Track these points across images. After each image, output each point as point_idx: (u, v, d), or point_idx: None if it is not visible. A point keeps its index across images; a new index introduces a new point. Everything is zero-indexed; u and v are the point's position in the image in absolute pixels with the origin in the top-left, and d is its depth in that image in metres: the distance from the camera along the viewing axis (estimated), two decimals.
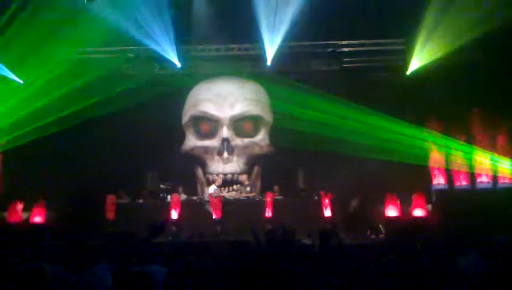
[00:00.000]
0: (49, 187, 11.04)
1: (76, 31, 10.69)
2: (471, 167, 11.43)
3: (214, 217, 10.78)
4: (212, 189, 11.55)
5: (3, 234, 9.68)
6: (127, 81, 11.86)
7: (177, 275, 2.94)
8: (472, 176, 11.40)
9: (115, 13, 10.61)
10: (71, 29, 10.48)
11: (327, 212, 10.73)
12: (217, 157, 12.30)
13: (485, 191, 11.12)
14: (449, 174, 11.54)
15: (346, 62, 12.49)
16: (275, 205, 10.77)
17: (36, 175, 11.24)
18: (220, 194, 11.38)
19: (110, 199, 10.92)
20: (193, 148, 12.55)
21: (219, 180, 11.92)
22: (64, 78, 11.32)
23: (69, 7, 10.19)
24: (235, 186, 12.16)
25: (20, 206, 10.96)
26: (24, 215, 11.02)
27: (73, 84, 11.23)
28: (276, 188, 11.49)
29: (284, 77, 11.87)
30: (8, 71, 11.27)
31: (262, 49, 11.98)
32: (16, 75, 11.42)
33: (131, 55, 12.52)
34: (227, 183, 12.19)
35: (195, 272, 2.97)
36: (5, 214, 10.96)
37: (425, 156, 11.57)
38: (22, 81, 11.50)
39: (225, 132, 12.26)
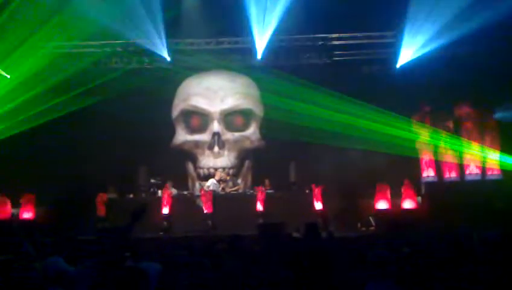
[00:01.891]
0: (39, 182, 10.91)
1: (64, 25, 10.56)
2: (460, 158, 11.53)
3: (205, 211, 10.76)
4: (210, 182, 11.51)
5: None
6: (116, 75, 11.76)
7: (171, 270, 2.93)
8: (461, 168, 11.50)
9: (103, 6, 10.48)
10: (59, 22, 10.33)
11: (318, 205, 10.77)
12: (207, 152, 12.23)
13: (474, 182, 11.23)
14: (438, 166, 11.63)
15: (337, 55, 12.48)
16: (266, 199, 10.78)
17: (25, 170, 11.10)
18: (213, 187, 11.33)
19: (100, 196, 10.84)
20: (184, 143, 12.47)
21: (218, 174, 11.86)
22: (53, 71, 11.19)
23: (56, 0, 10.05)
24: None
25: (8, 202, 10.85)
26: (14, 211, 10.92)
27: (62, 78, 11.09)
28: (266, 181, 11.49)
29: (275, 71, 11.83)
30: None
31: (253, 42, 11.91)
32: (2, 69, 11.22)
33: (120, 49, 12.38)
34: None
35: (188, 267, 2.96)
36: None
37: (415, 148, 11.65)
38: (8, 76, 11.31)
39: (216, 126, 12.20)
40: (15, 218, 10.79)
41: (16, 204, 10.96)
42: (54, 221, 10.26)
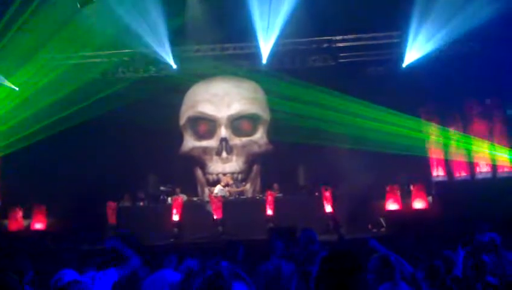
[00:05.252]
0: (49, 193, 10.99)
1: (70, 36, 10.66)
2: (469, 157, 11.45)
3: (214, 217, 10.76)
4: (218, 189, 11.53)
5: (5, 242, 9.66)
6: (123, 84, 11.84)
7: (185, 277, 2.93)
8: (471, 167, 11.41)
9: (109, 17, 10.57)
10: (65, 34, 10.45)
11: (328, 208, 10.73)
12: (215, 158, 12.27)
13: (484, 181, 11.13)
14: (448, 165, 11.54)
15: (342, 57, 12.46)
16: (276, 203, 10.76)
17: (36, 180, 11.17)
18: (220, 194, 11.35)
19: (110, 205, 10.87)
20: (192, 149, 12.52)
21: (225, 180, 11.88)
22: (60, 82, 11.28)
23: (63, 12, 10.16)
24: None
25: (20, 214, 10.94)
26: (25, 222, 10.99)
27: (69, 89, 11.17)
28: (275, 186, 11.48)
29: (280, 74, 11.83)
30: (4, 78, 11.20)
31: (258, 47, 11.93)
32: (11, 82, 11.34)
33: (127, 58, 12.46)
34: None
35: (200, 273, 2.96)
36: (6, 221, 10.94)
37: (424, 148, 11.58)
38: (17, 88, 11.42)
39: (223, 132, 12.24)
40: (27, 229, 10.86)
41: (27, 215, 11.03)
42: (65, 231, 10.32)
